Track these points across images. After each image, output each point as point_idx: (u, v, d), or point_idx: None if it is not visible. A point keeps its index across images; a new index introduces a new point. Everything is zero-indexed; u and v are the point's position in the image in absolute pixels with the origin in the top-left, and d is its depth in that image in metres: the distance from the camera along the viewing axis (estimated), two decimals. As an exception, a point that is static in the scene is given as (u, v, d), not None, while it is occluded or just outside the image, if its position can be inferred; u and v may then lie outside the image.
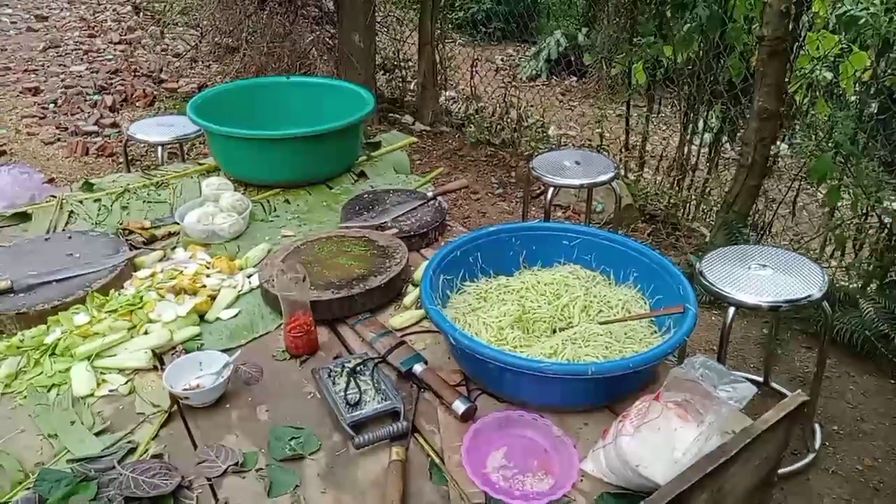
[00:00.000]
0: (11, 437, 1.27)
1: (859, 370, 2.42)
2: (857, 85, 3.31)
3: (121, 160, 3.80)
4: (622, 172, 3.69)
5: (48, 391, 1.37)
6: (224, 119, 2.26)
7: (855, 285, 2.57)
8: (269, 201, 2.17)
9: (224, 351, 1.48)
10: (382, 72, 5.39)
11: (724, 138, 3.52)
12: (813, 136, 3.31)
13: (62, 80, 5.20)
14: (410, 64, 5.33)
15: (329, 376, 1.37)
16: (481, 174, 3.95)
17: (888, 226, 2.65)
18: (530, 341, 1.38)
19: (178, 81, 5.30)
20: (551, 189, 2.34)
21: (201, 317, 1.59)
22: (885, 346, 2.30)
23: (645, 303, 1.50)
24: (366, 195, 2.12)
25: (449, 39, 5.73)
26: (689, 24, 3.19)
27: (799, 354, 2.52)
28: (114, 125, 4.36)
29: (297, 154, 2.19)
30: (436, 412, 1.30)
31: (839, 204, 2.85)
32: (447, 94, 5.31)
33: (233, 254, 1.87)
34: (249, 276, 1.75)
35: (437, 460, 1.19)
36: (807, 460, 2.06)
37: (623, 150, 3.75)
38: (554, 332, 1.44)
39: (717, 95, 3.36)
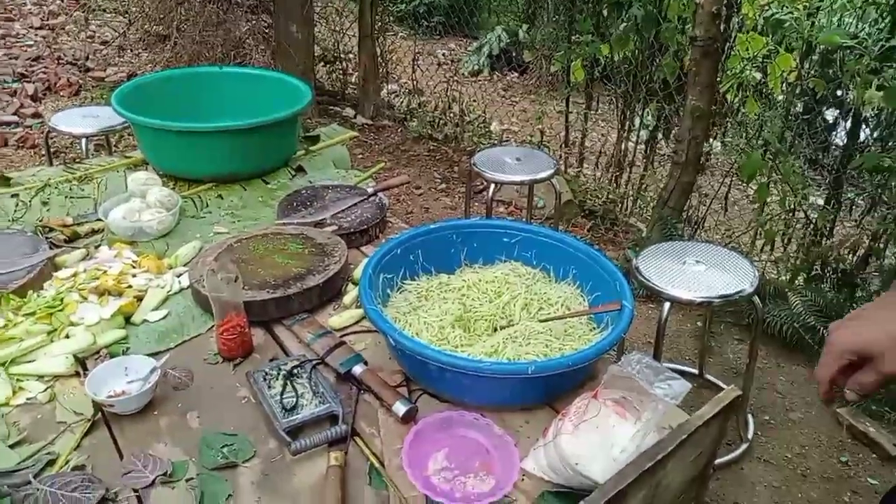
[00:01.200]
0: (-87, 454, 1.17)
1: (789, 361, 2.53)
2: (783, 85, 3.47)
3: (43, 153, 3.58)
4: (563, 168, 3.74)
5: (-44, 402, 1.27)
6: (152, 110, 2.15)
7: (784, 279, 2.68)
8: (200, 197, 2.08)
9: (152, 355, 1.41)
10: (322, 63, 5.29)
11: (660, 135, 3.61)
12: (743, 135, 3.44)
13: (-25, 67, 4.87)
14: (351, 56, 5.25)
15: (264, 380, 1.32)
16: (424, 169, 3.93)
17: (813, 221, 2.78)
18: (472, 340, 1.37)
19: (105, 70, 5.05)
20: (493, 185, 2.34)
21: (127, 319, 1.51)
22: (812, 338, 2.41)
23: (584, 300, 1.52)
24: (304, 191, 2.06)
25: (390, 32, 5.68)
26: (624, 24, 3.25)
27: (731, 346, 2.61)
28: (36, 115, 4.11)
29: (231, 148, 2.11)
30: (376, 414, 1.28)
31: (768, 200, 2.97)
32: (389, 87, 5.26)
33: (161, 252, 1.78)
34: (179, 276, 1.67)
35: (376, 464, 1.17)
36: (740, 450, 2.14)
37: (563, 146, 3.80)
38: (495, 330, 1.43)
39: (653, 94, 3.44)
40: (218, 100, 2.47)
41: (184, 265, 1.72)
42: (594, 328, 1.45)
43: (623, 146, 3.60)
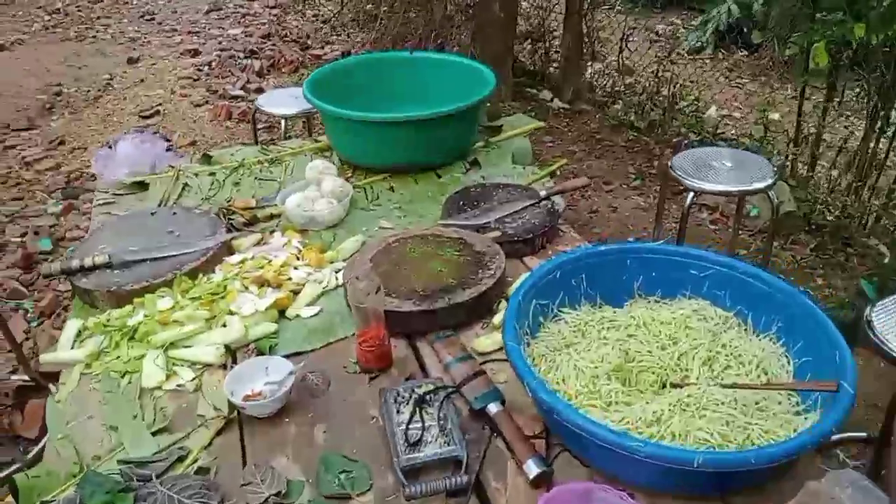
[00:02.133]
0: (80, 422, 1.26)
1: None
2: None
3: (259, 126, 3.89)
4: (787, 171, 3.18)
5: (122, 377, 1.35)
6: (343, 96, 2.17)
7: None
8: (372, 187, 2.05)
9: (296, 354, 1.39)
10: (528, 41, 5.10)
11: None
12: None
13: (219, 43, 5.48)
14: (556, 34, 4.99)
15: (395, 401, 1.23)
16: (618, 162, 3.60)
17: None
18: (631, 397, 1.14)
19: (323, 48, 5.37)
20: (691, 195, 2.00)
21: (282, 312, 1.51)
22: None
23: (788, 363, 1.20)
24: (473, 189, 1.93)
25: (606, 5, 5.30)
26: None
27: None
28: (259, 90, 4.50)
29: (405, 139, 2.05)
30: (506, 466, 1.12)
31: None
32: (594, 67, 4.93)
33: (328, 243, 1.77)
34: (337, 272, 1.64)
35: (496, 530, 1.02)
36: None
37: (792, 144, 3.22)
38: (664, 386, 1.18)
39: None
40: (406, 85, 2.43)
41: (344, 260, 1.69)
42: (797, 403, 1.14)
43: (871, 148, 2.94)
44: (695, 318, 1.28)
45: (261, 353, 1.39)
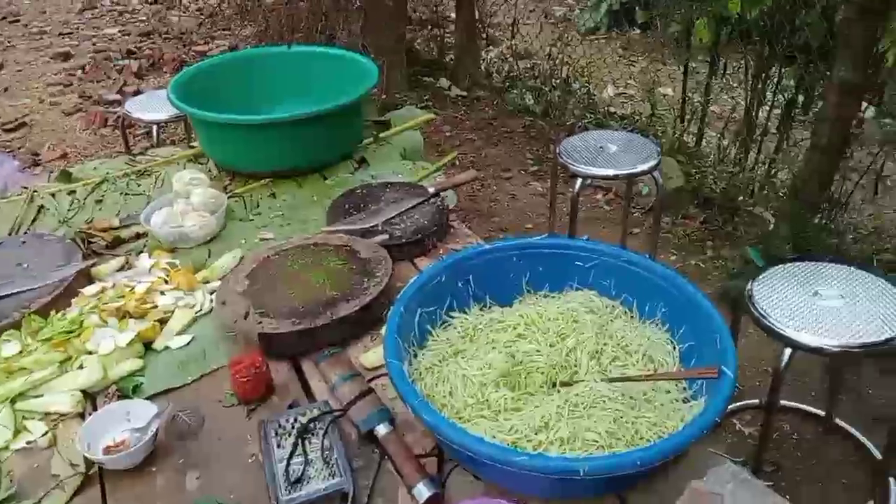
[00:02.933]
0: None
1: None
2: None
3: (138, 133, 3.64)
4: (676, 146, 3.27)
5: (-40, 440, 1.18)
6: (216, 98, 2.01)
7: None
8: (252, 195, 1.92)
9: (167, 392, 1.26)
10: (425, 28, 5.01)
11: (797, 108, 3.04)
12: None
13: (94, 44, 5.08)
14: (451, 20, 4.94)
15: (276, 434, 1.13)
16: (516, 148, 3.59)
17: None
18: (520, 403, 1.09)
19: (208, 44, 5.09)
20: (579, 181, 1.99)
21: (148, 345, 1.37)
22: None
23: (673, 348, 1.19)
24: (359, 190, 1.84)
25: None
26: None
27: (869, 380, 2.10)
28: (137, 93, 4.19)
29: (286, 140, 1.93)
30: (398, 491, 1.05)
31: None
32: (495, 51, 4.90)
33: (201, 261, 1.63)
34: (212, 293, 1.51)
35: (385, 567, 0.94)
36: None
37: (679, 120, 3.31)
38: (554, 384, 1.15)
39: (792, 58, 2.88)
40: (285, 83, 2.29)
41: (219, 278, 1.57)
42: (685, 390, 1.13)
43: (753, 119, 3.07)
44: (582, 311, 1.25)
45: (124, 395, 1.26)
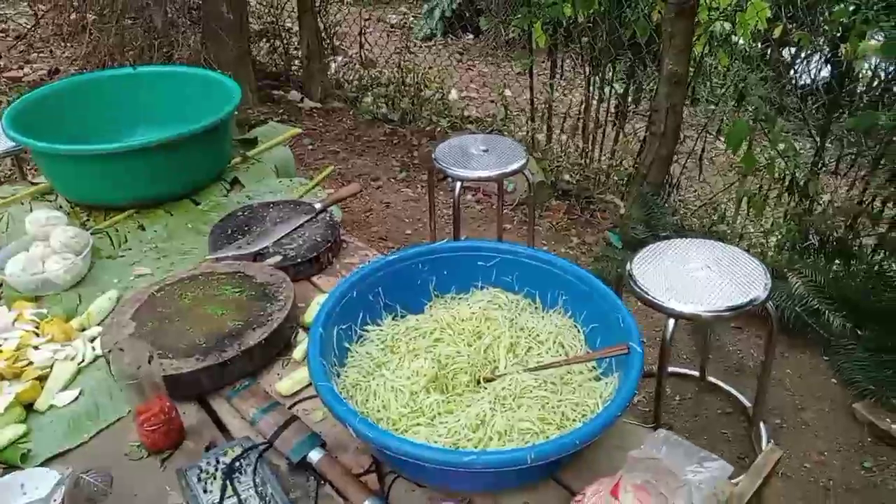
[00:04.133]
0: None
1: (793, 349, 2.33)
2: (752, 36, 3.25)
3: (-52, 172, 3.19)
4: (530, 144, 3.47)
5: None
6: (56, 127, 1.83)
7: (780, 258, 2.48)
8: (117, 230, 1.77)
9: (62, 454, 1.14)
10: (264, 40, 4.87)
11: (629, 100, 3.36)
12: (723, 94, 3.22)
13: None
14: (293, 31, 4.84)
15: (199, 480, 1.06)
16: (381, 157, 3.61)
17: (801, 185, 2.58)
18: (451, 404, 1.12)
19: (22, 68, 4.56)
20: (458, 184, 2.06)
21: (29, 407, 1.23)
22: (816, 322, 2.22)
23: (579, 332, 1.28)
24: (240, 213, 1.77)
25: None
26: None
27: (730, 338, 2.40)
28: (-60, 127, 3.67)
29: (149, 168, 1.79)
30: (341, 513, 1.04)
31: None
32: (339, 60, 4.88)
33: (72, 307, 1.49)
34: (93, 340, 1.38)
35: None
36: (756, 468, 1.94)
37: (530, 120, 3.52)
38: (478, 382, 1.19)
39: (621, 55, 3.18)
40: (132, 108, 2.14)
41: (98, 324, 1.43)
42: (594, 368, 1.22)
43: (592, 114, 3.34)
44: (492, 308, 1.31)
45: (10, 466, 1.12)
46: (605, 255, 2.56)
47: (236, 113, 2.01)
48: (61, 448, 1.15)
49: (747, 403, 2.07)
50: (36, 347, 1.33)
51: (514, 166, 2.09)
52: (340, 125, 4.02)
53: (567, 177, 3.24)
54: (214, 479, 1.06)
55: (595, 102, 3.32)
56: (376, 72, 4.90)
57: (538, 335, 1.26)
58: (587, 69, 3.34)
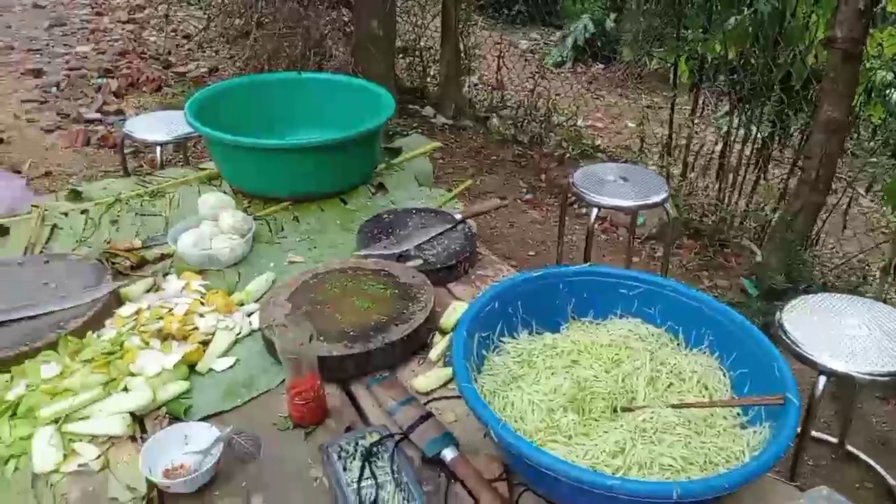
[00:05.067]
0: (-47, 529, 1.04)
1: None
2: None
3: (126, 152, 3.56)
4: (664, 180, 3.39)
5: (5, 464, 1.13)
6: (227, 120, 2.00)
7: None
8: (275, 218, 1.91)
9: (216, 415, 1.25)
10: (403, 57, 5.10)
11: (775, 143, 3.21)
12: (876, 148, 3.01)
13: (66, 62, 4.96)
14: (433, 51, 5.03)
15: (339, 458, 1.13)
16: (509, 177, 3.66)
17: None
18: (587, 426, 1.12)
19: (187, 65, 5.04)
20: (595, 210, 2.06)
21: (193, 367, 1.35)
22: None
23: (724, 375, 1.24)
24: (385, 215, 1.86)
25: (471, 22, 5.42)
26: (743, 18, 2.88)
27: (874, 406, 2.21)
28: (118, 112, 4.12)
29: (310, 166, 1.93)
30: (469, 513, 1.06)
31: None
32: (471, 80, 5.01)
33: (232, 283, 1.62)
34: (250, 315, 1.50)
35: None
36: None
37: (666, 154, 3.45)
38: (614, 410, 1.18)
39: (770, 97, 3.05)
40: (295, 108, 2.31)
41: (255, 301, 1.55)
42: (738, 415, 1.17)
43: (734, 155, 3.22)
44: (632, 338, 1.30)
45: (174, 417, 1.23)
46: (740, 302, 2.45)
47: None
48: (217, 409, 1.26)
49: (892, 482, 1.90)
50: (201, 315, 1.46)
51: (655, 199, 2.07)
52: (470, 143, 4.11)
53: (700, 215, 3.14)
54: (353, 459, 1.12)
55: (738, 143, 3.20)
56: (507, 94, 4.99)
57: (680, 372, 1.24)
58: (732, 108, 3.23)
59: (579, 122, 4.80)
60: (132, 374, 1.29)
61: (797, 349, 1.49)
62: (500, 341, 1.32)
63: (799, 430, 1.50)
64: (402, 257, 1.67)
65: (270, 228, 1.87)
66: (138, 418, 1.23)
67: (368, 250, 1.69)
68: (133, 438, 1.19)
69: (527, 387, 1.18)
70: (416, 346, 1.40)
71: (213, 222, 1.75)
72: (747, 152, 3.18)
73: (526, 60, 4.90)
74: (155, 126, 2.64)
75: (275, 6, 4.00)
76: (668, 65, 3.42)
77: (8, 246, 1.74)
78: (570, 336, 1.32)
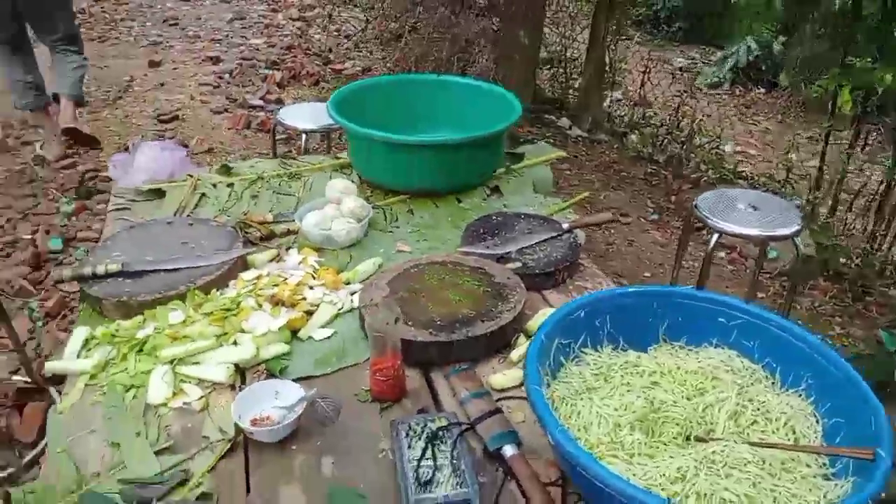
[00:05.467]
0: (81, 436, 1.22)
1: None
2: None
3: (278, 138, 3.89)
4: (809, 214, 3.15)
5: (126, 391, 1.31)
6: (366, 114, 2.15)
7: None
8: (392, 209, 2.02)
9: (307, 378, 1.36)
10: (548, 67, 5.11)
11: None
12: None
13: (241, 52, 5.49)
14: (578, 63, 5.01)
15: (407, 435, 1.19)
16: (636, 195, 3.56)
17: None
18: (654, 449, 1.09)
19: (344, 63, 5.39)
20: (715, 236, 1.97)
21: (295, 333, 1.48)
22: None
23: (817, 422, 1.15)
24: (494, 217, 1.90)
25: (625, 37, 5.31)
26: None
27: None
28: (278, 101, 4.50)
29: (431, 163, 2.03)
30: (521, 512, 1.08)
31: None
32: (613, 95, 4.93)
33: (344, 263, 1.74)
34: (353, 294, 1.61)
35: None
36: None
37: (814, 188, 3.19)
38: (687, 439, 1.14)
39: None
40: (432, 107, 2.42)
41: (360, 282, 1.66)
42: (824, 465, 1.09)
43: (894, 198, 2.91)
44: (722, 369, 1.24)
45: (271, 374, 1.36)
46: (872, 355, 2.22)
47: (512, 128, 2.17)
48: (309, 373, 1.37)
49: None
50: (311, 287, 1.59)
51: (784, 231, 1.93)
52: (602, 157, 4.05)
53: (844, 257, 2.87)
54: (419, 438, 1.17)
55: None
56: (651, 112, 4.84)
57: (768, 411, 1.17)
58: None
59: (727, 148, 4.55)
60: (243, 331, 1.44)
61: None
62: (582, 352, 1.32)
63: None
64: (502, 258, 1.70)
65: (386, 217, 1.98)
66: (241, 370, 1.37)
67: (471, 248, 1.74)
68: (232, 387, 1.33)
69: (598, 399, 1.17)
70: (499, 344, 1.43)
71: (336, 206, 1.89)
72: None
73: (673, 77, 4.71)
74: (304, 115, 2.87)
75: (428, 13, 4.18)
76: (829, 93, 3.15)
77: (163, 207, 1.98)
78: (656, 358, 1.29)
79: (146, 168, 2.07)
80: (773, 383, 1.24)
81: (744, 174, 3.81)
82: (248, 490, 1.12)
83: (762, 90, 6.78)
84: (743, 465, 1.04)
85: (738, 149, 5.00)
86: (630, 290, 1.34)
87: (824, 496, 1.01)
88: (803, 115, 5.83)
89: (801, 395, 1.20)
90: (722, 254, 3.04)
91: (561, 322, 1.26)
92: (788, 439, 1.12)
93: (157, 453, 1.18)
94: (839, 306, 2.69)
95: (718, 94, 6.71)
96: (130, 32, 6.06)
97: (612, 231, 3.09)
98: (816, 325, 2.56)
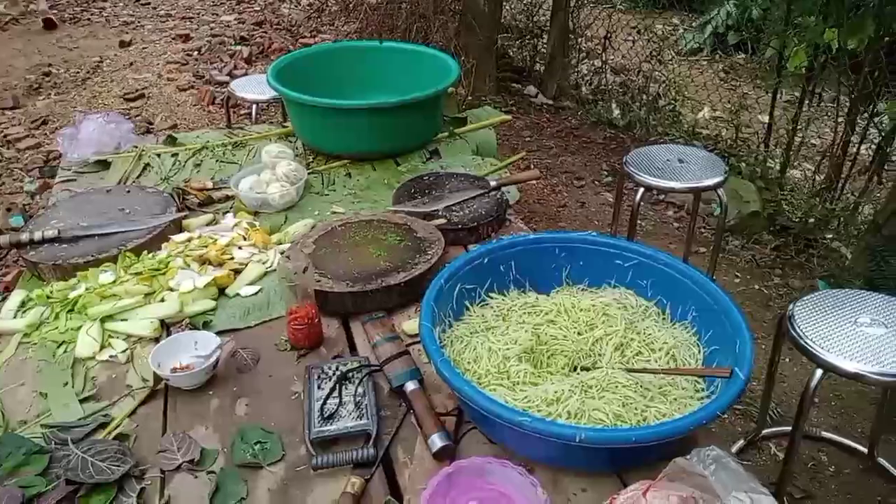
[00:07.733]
0: (11, 388, 1.29)
1: None
2: None
3: (241, 112, 3.93)
4: (759, 171, 3.21)
5: (57, 347, 1.38)
6: (309, 83, 2.18)
7: None
8: (329, 173, 2.08)
9: (232, 331, 1.42)
10: (516, 35, 5.12)
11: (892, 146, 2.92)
12: None
13: (211, 29, 5.49)
14: (544, 31, 5.02)
15: (318, 378, 1.26)
16: (593, 158, 3.62)
17: None
18: (539, 378, 1.17)
19: (314, 37, 5.39)
20: (641, 190, 2.03)
21: (223, 290, 1.54)
22: None
23: (698, 351, 1.23)
24: (426, 177, 1.96)
25: (607, 4, 5.31)
26: (862, 8, 2.64)
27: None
28: (245, 76, 4.52)
29: (365, 126, 2.08)
30: (416, 440, 1.15)
31: None
32: (588, 64, 4.94)
33: (278, 225, 1.80)
34: (282, 253, 1.67)
35: (394, 500, 1.05)
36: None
37: (763, 145, 3.24)
38: (574, 369, 1.22)
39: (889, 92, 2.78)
40: (377, 74, 2.45)
41: (291, 242, 1.72)
42: (700, 389, 1.17)
43: (843, 153, 2.97)
44: (614, 306, 1.31)
45: (195, 328, 1.43)
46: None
47: (466, 96, 2.20)
48: (232, 326, 1.44)
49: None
50: (240, 248, 1.65)
51: (707, 182, 2.00)
52: (564, 123, 4.09)
53: (790, 212, 2.93)
54: (328, 380, 1.25)
55: (858, 141, 2.94)
56: (624, 78, 4.85)
57: (653, 343, 1.25)
58: (847, 102, 2.97)
59: (705, 113, 4.58)
60: (171, 290, 1.51)
61: (799, 341, 1.41)
62: (489, 296, 1.39)
63: (793, 425, 1.44)
64: (428, 216, 1.76)
65: (323, 181, 2.03)
66: (166, 325, 1.44)
67: (400, 207, 1.80)
68: (157, 340, 1.40)
69: (492, 336, 1.25)
70: (415, 294, 1.50)
71: (272, 170, 1.94)
72: (854, 150, 2.92)
73: (641, 41, 4.72)
74: (255, 87, 2.91)
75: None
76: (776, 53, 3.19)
77: (107, 178, 2.04)
78: (555, 298, 1.36)
79: (92, 140, 2.12)
80: (663, 319, 1.32)
81: (702, 136, 3.86)
82: (164, 431, 1.20)
83: (742, 55, 6.78)
84: (616, 388, 1.11)
85: (716, 113, 5.03)
86: (531, 236, 1.40)
87: (687, 411, 1.09)
88: (764, 78, 5.84)
89: (686, 327, 1.27)
90: (671, 213, 3.11)
91: (462, 268, 1.33)
92: (668, 366, 1.20)
93: (82, 401, 1.25)
94: (782, 259, 2.76)
95: (698, 59, 6.71)
96: (102, 14, 6.04)
97: (566, 194, 3.15)
98: (756, 276, 2.63)
